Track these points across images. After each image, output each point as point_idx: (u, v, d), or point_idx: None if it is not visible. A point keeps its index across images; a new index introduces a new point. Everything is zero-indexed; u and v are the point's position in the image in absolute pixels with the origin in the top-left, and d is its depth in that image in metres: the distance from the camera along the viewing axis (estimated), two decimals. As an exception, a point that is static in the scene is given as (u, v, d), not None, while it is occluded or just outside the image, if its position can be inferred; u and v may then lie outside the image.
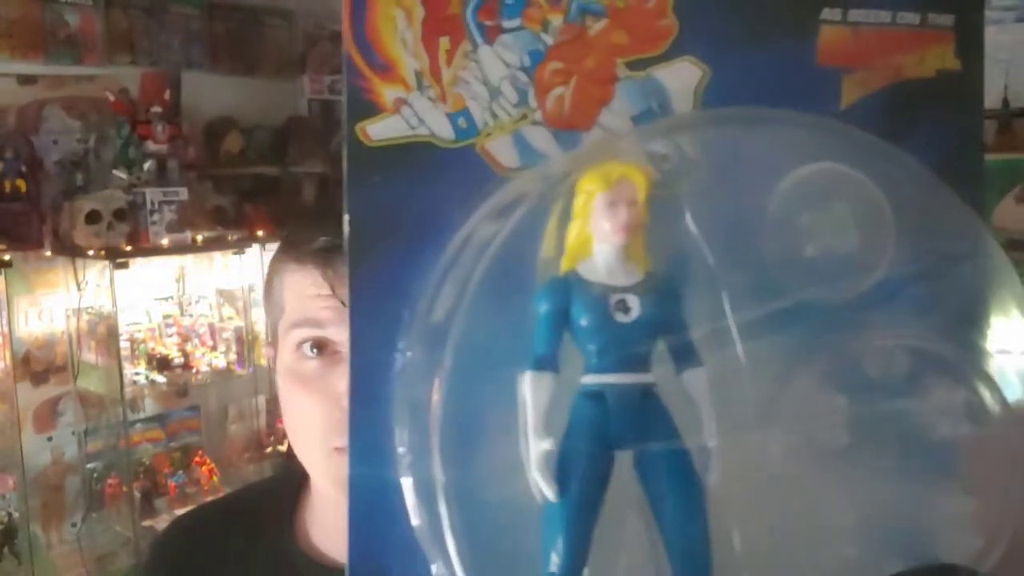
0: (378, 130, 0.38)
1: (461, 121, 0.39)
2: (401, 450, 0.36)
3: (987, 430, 0.35)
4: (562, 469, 0.34)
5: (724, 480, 0.35)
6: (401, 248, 0.38)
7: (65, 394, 2.72)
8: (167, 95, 2.69)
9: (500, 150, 0.39)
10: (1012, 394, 0.36)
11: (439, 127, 0.39)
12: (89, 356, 2.67)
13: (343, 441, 0.67)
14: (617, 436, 0.34)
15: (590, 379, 0.34)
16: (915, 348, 0.36)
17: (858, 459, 0.36)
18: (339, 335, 0.69)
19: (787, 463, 0.36)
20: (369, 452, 0.37)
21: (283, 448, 3.04)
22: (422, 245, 0.38)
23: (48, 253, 2.61)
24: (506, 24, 0.39)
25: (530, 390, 0.34)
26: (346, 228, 0.38)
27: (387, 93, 0.38)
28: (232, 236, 2.83)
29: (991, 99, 2.14)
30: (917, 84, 0.41)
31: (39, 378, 2.66)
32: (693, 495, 0.34)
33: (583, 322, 0.34)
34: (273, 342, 0.78)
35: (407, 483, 0.36)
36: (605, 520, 0.34)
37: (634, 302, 0.34)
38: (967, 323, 0.37)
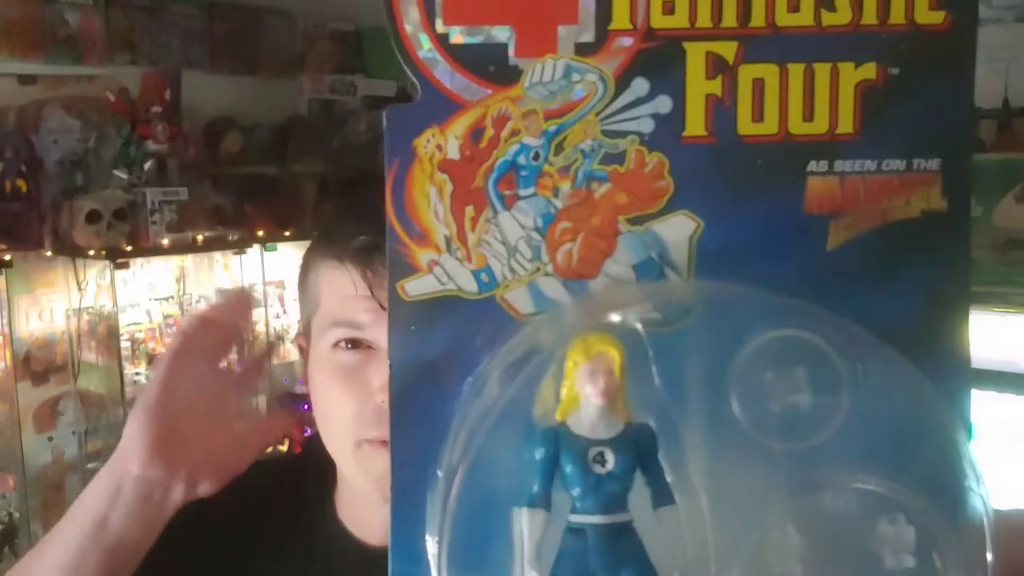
0: (414, 287, 0.47)
1: (484, 276, 0.46)
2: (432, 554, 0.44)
3: (934, 566, 0.41)
4: None
5: None
6: (435, 385, 0.46)
7: (65, 394, 2.72)
8: (167, 95, 2.69)
9: (517, 299, 0.46)
10: (963, 534, 0.41)
11: (465, 282, 0.46)
12: (89, 356, 2.67)
13: (373, 433, 0.69)
14: (596, 567, 0.41)
15: (574, 518, 0.41)
16: (868, 490, 0.41)
17: None
18: (376, 336, 0.69)
19: None
20: (407, 555, 0.45)
21: (283, 448, 3.04)
22: (452, 381, 0.45)
23: (48, 253, 2.61)
24: (522, 192, 0.46)
25: (525, 525, 0.41)
26: (387, 372, 0.47)
27: (422, 256, 0.47)
28: (232, 236, 2.83)
29: (991, 99, 2.14)
30: (903, 225, 0.44)
31: (39, 378, 2.66)
32: None
33: (567, 470, 0.41)
34: (305, 334, 0.78)
35: None
36: None
37: (610, 456, 0.41)
38: (920, 471, 0.42)
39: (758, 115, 0.44)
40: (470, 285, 0.46)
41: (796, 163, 0.44)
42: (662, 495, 0.42)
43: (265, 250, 2.90)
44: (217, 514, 0.84)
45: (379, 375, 0.68)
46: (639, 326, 0.43)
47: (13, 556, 2.49)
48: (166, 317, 2.89)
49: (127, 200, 2.58)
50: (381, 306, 0.68)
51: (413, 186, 0.46)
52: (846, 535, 0.41)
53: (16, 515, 2.53)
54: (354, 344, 0.71)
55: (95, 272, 2.64)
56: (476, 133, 0.45)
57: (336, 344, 0.71)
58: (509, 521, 0.42)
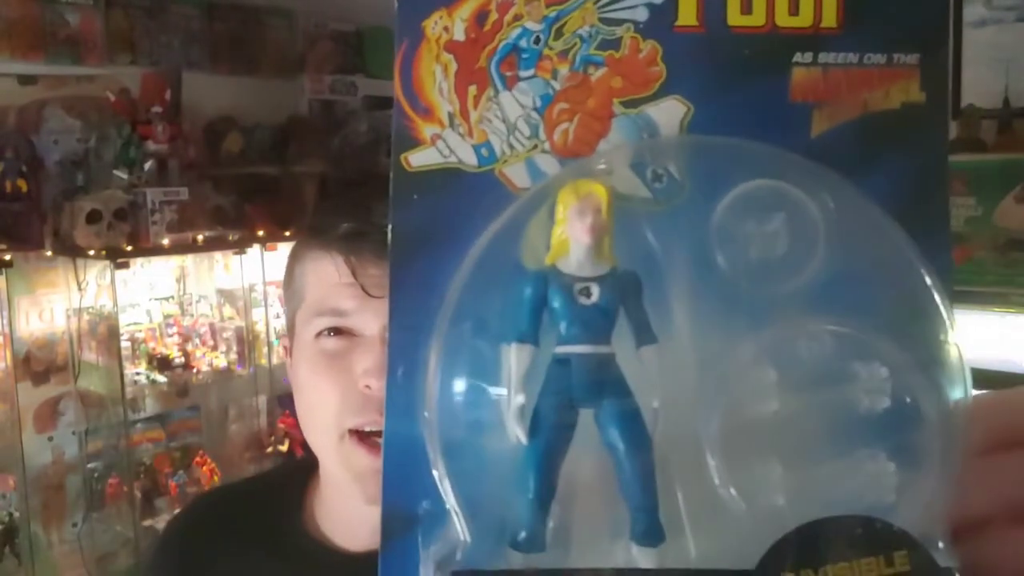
0: (417, 158, 0.49)
1: (484, 151, 0.48)
2: (427, 414, 0.46)
3: (909, 406, 0.43)
4: (535, 420, 0.43)
5: (667, 438, 0.43)
6: (433, 252, 0.47)
7: (66, 394, 2.72)
8: (167, 95, 2.70)
9: (515, 174, 0.48)
10: (944, 391, 0.43)
11: (466, 156, 0.48)
12: (90, 356, 2.68)
13: (357, 420, 0.69)
14: (580, 394, 0.43)
15: (560, 349, 0.44)
16: (843, 334, 0.43)
17: (788, 425, 0.43)
18: (360, 323, 0.70)
19: (723, 425, 0.44)
20: (400, 412, 0.46)
21: (283, 448, 3.05)
22: (450, 249, 0.47)
23: (49, 253, 2.61)
24: (522, 74, 0.49)
25: (513, 358, 0.44)
26: (390, 237, 0.47)
27: (426, 130, 0.49)
28: (232, 236, 2.83)
29: (991, 99, 2.14)
30: (882, 116, 0.47)
31: (40, 378, 2.66)
32: (642, 443, 0.43)
33: (555, 304, 0.44)
34: (290, 332, 0.78)
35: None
36: (574, 468, 0.43)
37: (595, 290, 0.44)
38: (896, 322, 0.44)
39: (747, 7, 0.48)
40: (470, 159, 0.48)
41: (782, 54, 0.47)
42: (645, 334, 0.44)
43: (265, 250, 2.90)
44: (202, 523, 0.85)
45: (362, 361, 0.69)
46: (632, 200, 0.46)
47: (13, 556, 2.49)
48: (166, 317, 2.89)
49: (127, 200, 2.58)
50: (366, 292, 0.68)
51: (420, 65, 0.49)
52: (821, 377, 0.44)
53: (16, 515, 2.53)
54: (337, 332, 0.71)
55: (95, 272, 2.64)
56: (481, 16, 0.48)
57: (319, 333, 0.71)
58: (496, 364, 0.45)
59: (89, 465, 2.73)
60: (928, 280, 0.44)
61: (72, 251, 2.55)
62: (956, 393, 0.43)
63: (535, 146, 0.48)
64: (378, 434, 0.68)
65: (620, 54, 0.48)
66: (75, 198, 2.55)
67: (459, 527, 0.44)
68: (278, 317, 3.03)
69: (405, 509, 0.45)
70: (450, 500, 0.44)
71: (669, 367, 0.44)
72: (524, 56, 0.49)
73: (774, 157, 0.46)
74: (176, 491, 2.78)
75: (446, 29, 0.49)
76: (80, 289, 2.65)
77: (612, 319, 0.44)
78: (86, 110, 2.68)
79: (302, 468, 0.84)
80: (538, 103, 0.48)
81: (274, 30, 3.30)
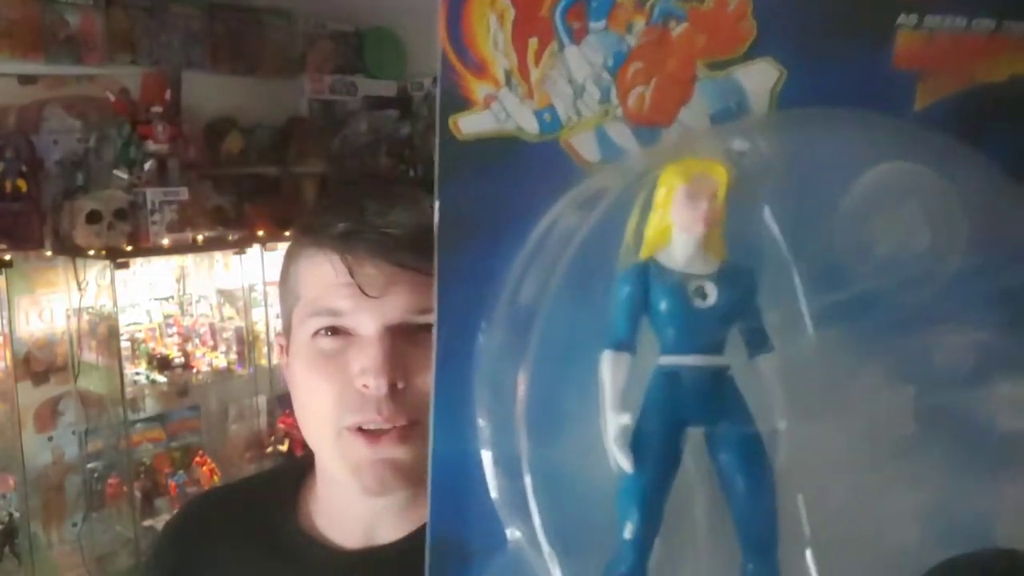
0: (469, 123, 0.42)
1: (546, 116, 0.42)
2: (482, 423, 0.39)
3: None
4: (637, 444, 0.36)
5: (792, 462, 0.36)
6: (487, 235, 0.41)
7: (66, 394, 2.72)
8: (167, 95, 2.69)
9: (582, 144, 0.42)
10: None
11: (525, 121, 0.41)
12: (90, 356, 2.67)
13: (353, 419, 0.68)
14: (690, 414, 0.36)
15: (667, 360, 0.37)
16: (983, 343, 0.37)
17: (923, 448, 0.37)
18: (356, 322, 0.69)
19: (853, 449, 0.37)
20: (452, 426, 0.40)
21: (283, 448, 3.04)
22: (507, 232, 0.41)
23: (49, 253, 2.61)
24: (592, 26, 0.42)
25: (609, 369, 0.37)
26: (436, 216, 0.41)
27: (478, 90, 0.42)
28: (232, 236, 2.83)
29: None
30: (990, 88, 0.41)
31: (40, 378, 2.66)
32: (762, 473, 0.36)
33: (662, 306, 0.37)
34: (286, 331, 0.78)
35: (487, 456, 0.39)
36: (678, 495, 0.37)
37: (711, 289, 0.37)
38: None
39: None
40: (531, 125, 0.42)
41: (886, 13, 0.41)
42: (760, 341, 0.37)
43: (265, 250, 2.90)
44: (198, 526, 0.85)
45: (359, 360, 0.68)
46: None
47: (13, 556, 2.49)
48: (166, 317, 2.89)
49: (127, 200, 2.58)
50: (362, 291, 0.68)
51: (471, 11, 0.41)
52: (958, 392, 0.37)
53: (16, 515, 2.52)
54: (334, 331, 0.70)
55: (95, 272, 2.64)
56: None
57: (316, 333, 0.71)
58: (587, 373, 0.38)
59: (89, 465, 2.73)
60: None
61: (72, 251, 2.55)
62: None
63: (606, 112, 0.42)
64: (375, 429, 0.68)
65: (705, 6, 0.41)
66: (75, 198, 2.55)
67: (547, 564, 0.37)
68: (278, 317, 3.00)
69: (458, 540, 0.40)
70: (540, 537, 0.37)
71: (791, 380, 0.37)
72: (594, 5, 0.42)
73: (906, 134, 0.39)
74: (176, 491, 2.77)
75: None
76: (80, 289, 2.64)
77: (729, 325, 0.37)
78: (86, 110, 2.68)
79: (298, 467, 0.84)
80: (610, 62, 0.41)
81: (274, 30, 3.29)
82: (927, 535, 0.36)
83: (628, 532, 0.36)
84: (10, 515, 2.51)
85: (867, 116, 0.40)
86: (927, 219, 0.38)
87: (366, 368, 0.68)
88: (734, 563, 0.36)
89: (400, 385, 0.67)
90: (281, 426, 3.06)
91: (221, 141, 3.05)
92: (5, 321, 2.48)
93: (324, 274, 0.70)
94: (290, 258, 0.77)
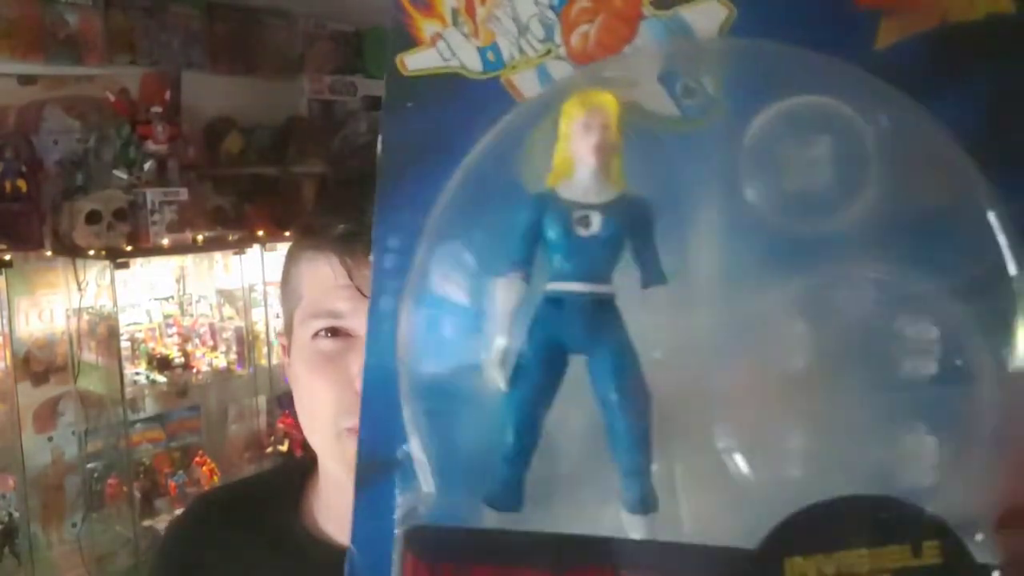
0: (414, 61, 0.42)
1: (489, 55, 0.42)
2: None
3: (958, 372, 0.35)
4: (518, 365, 0.37)
5: (669, 393, 0.37)
6: (427, 167, 0.41)
7: (65, 394, 2.72)
8: (167, 95, 2.70)
9: (523, 82, 0.42)
10: (1004, 355, 0.36)
11: (469, 59, 0.42)
12: (89, 356, 2.67)
13: (353, 421, 0.68)
14: (570, 340, 0.37)
15: (552, 286, 0.38)
16: (889, 284, 0.36)
17: (816, 386, 0.37)
18: (355, 324, 0.69)
19: (735, 381, 0.37)
20: (380, 344, 0.42)
21: (283, 448, 3.04)
22: (445, 164, 0.41)
23: (48, 253, 2.61)
24: None
25: (500, 292, 0.38)
26: (379, 149, 0.41)
27: (426, 28, 0.42)
28: (232, 236, 2.83)
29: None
30: (963, 28, 0.38)
31: (39, 378, 2.66)
32: (639, 398, 0.37)
33: (549, 233, 0.38)
34: (287, 331, 0.78)
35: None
36: (560, 419, 0.37)
37: (596, 218, 0.37)
38: (957, 274, 0.36)
39: None
40: (474, 63, 0.42)
41: None
42: (652, 273, 0.38)
43: (265, 250, 2.90)
44: (202, 527, 0.86)
45: (359, 361, 0.68)
46: (655, 119, 0.38)
47: (13, 556, 2.48)
48: (166, 317, 2.89)
49: (127, 200, 2.58)
50: (361, 293, 0.68)
51: None
52: (858, 333, 0.36)
53: (16, 515, 2.52)
54: (333, 333, 0.71)
55: (95, 272, 2.64)
56: None
57: (316, 334, 0.71)
58: (480, 297, 0.39)
59: (89, 465, 2.73)
60: (1000, 227, 0.36)
61: (72, 251, 2.55)
62: (1020, 360, 0.35)
63: (549, 51, 0.41)
64: None
65: None
66: (75, 198, 2.55)
67: (423, 476, 0.39)
68: (278, 317, 3.02)
69: (381, 452, 0.40)
70: (415, 445, 0.39)
71: (679, 312, 0.37)
72: None
73: (830, 68, 0.37)
74: (176, 491, 2.77)
75: None
76: (80, 289, 2.64)
77: (615, 254, 0.37)
78: (86, 110, 2.68)
79: (300, 467, 0.85)
80: (555, 1, 0.41)
81: (274, 30, 3.30)
82: (811, 473, 0.36)
83: (505, 446, 0.37)
84: (10, 515, 2.51)
85: (814, 57, 0.38)
86: (834, 157, 0.37)
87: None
88: (611, 486, 0.37)
89: None
90: (281, 426, 3.06)
91: (221, 141, 3.05)
92: (5, 321, 2.48)
93: (323, 276, 0.71)
94: (291, 259, 0.77)
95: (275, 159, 3.19)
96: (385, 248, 0.43)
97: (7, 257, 2.41)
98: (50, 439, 2.68)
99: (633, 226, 0.38)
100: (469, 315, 0.39)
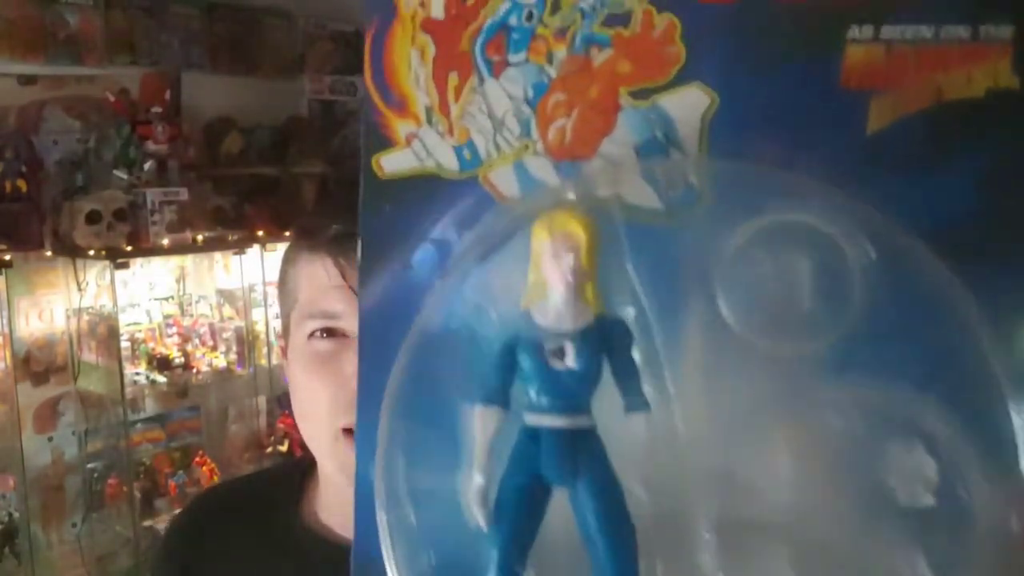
0: (391, 162, 0.41)
1: (466, 153, 0.41)
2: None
3: (959, 504, 0.34)
4: (499, 502, 0.36)
5: (654, 526, 0.35)
6: (406, 272, 0.41)
7: (65, 394, 2.72)
8: (167, 95, 2.69)
9: (501, 180, 0.40)
10: (999, 467, 0.34)
11: (445, 159, 0.41)
12: (89, 356, 2.67)
13: (348, 420, 0.69)
14: (550, 474, 0.36)
15: (529, 418, 0.36)
16: (877, 407, 0.34)
17: (802, 516, 0.35)
18: (351, 325, 0.70)
19: (720, 515, 0.36)
20: (370, 453, 0.40)
21: (283, 448, 3.04)
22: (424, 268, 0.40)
23: (48, 253, 2.61)
24: (512, 58, 0.40)
25: (478, 423, 0.36)
26: (359, 252, 0.41)
27: (400, 128, 0.41)
28: (232, 236, 2.83)
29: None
30: (961, 106, 0.36)
31: (39, 378, 2.66)
32: (623, 533, 0.35)
33: (524, 364, 0.36)
34: (285, 333, 0.79)
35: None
36: (544, 549, 0.36)
37: (571, 350, 0.36)
38: (947, 391, 0.34)
39: None
40: (451, 162, 0.41)
41: (833, 28, 0.37)
42: (634, 400, 0.36)
43: (265, 250, 2.90)
44: (203, 525, 0.86)
45: (354, 361, 0.69)
46: (639, 212, 0.37)
47: (13, 556, 2.49)
48: (166, 317, 2.89)
49: (127, 200, 2.58)
50: (355, 293, 0.69)
51: (393, 48, 0.40)
52: (849, 462, 0.35)
53: (16, 515, 2.52)
54: (329, 333, 0.71)
55: (95, 272, 2.64)
56: None
57: (312, 334, 0.72)
58: (456, 421, 0.37)
59: (89, 465, 2.73)
60: (986, 346, 0.33)
61: (72, 251, 2.55)
62: (1017, 480, 0.33)
63: (526, 146, 0.40)
64: None
65: (630, 32, 0.39)
66: (75, 198, 2.55)
67: None
68: (278, 317, 3.01)
69: (376, 560, 0.39)
70: (388, 558, 0.37)
71: (662, 441, 0.36)
72: (514, 36, 0.40)
73: (810, 187, 0.36)
74: (176, 491, 2.77)
75: (422, 4, 0.40)
76: (80, 289, 2.64)
77: (591, 385, 0.36)
78: (86, 110, 2.68)
79: (300, 465, 0.85)
80: (530, 94, 0.40)
81: (274, 30, 3.30)
82: None
83: None
84: (10, 515, 2.51)
85: (792, 178, 0.36)
86: (814, 278, 0.36)
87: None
88: None
89: None
90: (281, 426, 3.06)
91: (221, 141, 3.05)
92: (5, 321, 2.48)
93: (319, 277, 0.71)
94: (287, 261, 0.78)
95: (275, 159, 3.19)
96: (370, 357, 0.41)
97: (7, 257, 2.41)
98: (50, 439, 2.68)
99: (612, 351, 0.36)
100: (446, 451, 0.38)
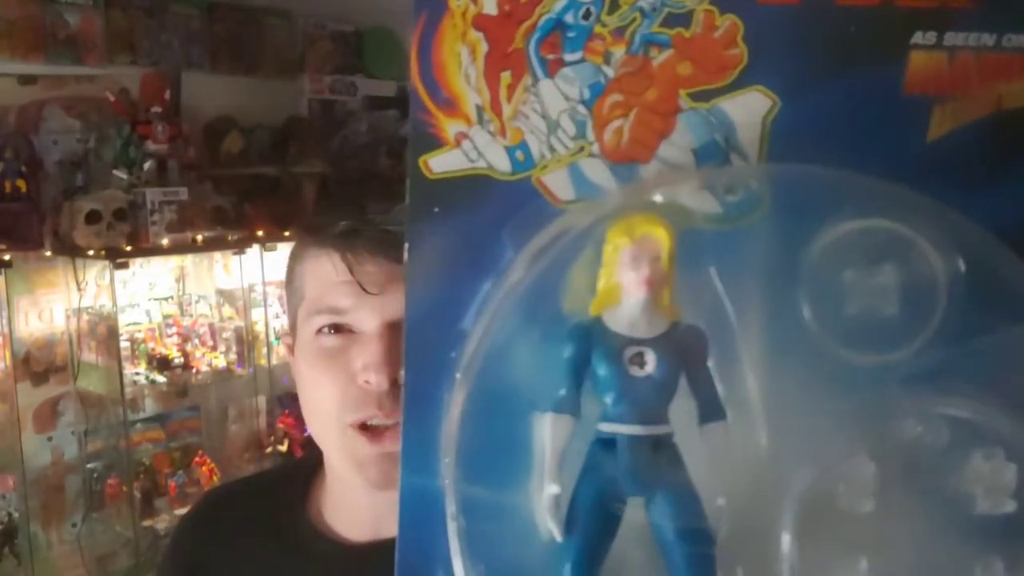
0: (439, 163, 0.40)
1: (519, 154, 0.40)
2: (446, 462, 0.38)
3: None
4: (572, 510, 0.35)
5: (735, 534, 0.35)
6: (457, 275, 0.39)
7: (65, 394, 2.72)
8: (167, 95, 2.69)
9: (555, 182, 0.40)
10: None
11: (497, 160, 0.40)
12: (89, 356, 2.67)
13: (356, 416, 0.70)
14: (627, 484, 0.35)
15: (604, 427, 0.35)
16: (959, 418, 0.34)
17: (885, 527, 0.35)
18: (357, 320, 0.70)
19: (801, 523, 0.35)
20: (418, 462, 0.39)
21: (283, 448, 3.04)
22: (477, 272, 0.39)
23: (48, 253, 2.61)
24: (568, 57, 0.39)
25: (548, 432, 0.35)
26: (406, 256, 0.39)
27: (449, 127, 0.40)
28: (232, 236, 2.83)
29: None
30: (1021, 114, 0.36)
31: (39, 378, 2.66)
32: (703, 545, 0.34)
33: (600, 372, 0.35)
34: (292, 330, 0.79)
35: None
36: (617, 557, 0.35)
37: (651, 357, 0.35)
38: None
39: None
40: (503, 163, 0.39)
41: (898, 33, 0.36)
42: (710, 408, 0.35)
43: (265, 250, 2.90)
44: (210, 523, 0.86)
45: (361, 357, 0.69)
46: (696, 216, 0.36)
47: (13, 556, 2.48)
48: (166, 317, 2.89)
49: (127, 200, 2.58)
50: (363, 288, 0.69)
51: (443, 45, 0.39)
52: (930, 470, 0.34)
53: (16, 515, 2.52)
54: (336, 329, 0.71)
55: (95, 272, 2.64)
56: None
57: (319, 331, 0.72)
58: (527, 429, 0.36)
59: (89, 465, 2.73)
60: None
61: (72, 251, 2.55)
62: None
63: (581, 148, 0.39)
64: (379, 425, 0.69)
65: (690, 32, 0.38)
66: (75, 198, 2.55)
67: None
68: (278, 317, 3.03)
69: (421, 573, 0.38)
70: (459, 570, 0.36)
71: (739, 449, 0.35)
72: (570, 35, 0.39)
73: (890, 190, 0.35)
74: (175, 491, 2.77)
75: (474, 0, 0.39)
76: (80, 289, 2.64)
77: (670, 393, 0.35)
78: (86, 110, 2.68)
79: (307, 464, 0.86)
80: (586, 95, 0.39)
81: (274, 30, 3.29)
82: None
83: None
84: (10, 515, 2.51)
85: (859, 177, 0.36)
86: (900, 284, 0.35)
87: (367, 364, 0.69)
88: None
89: (401, 381, 0.68)
90: (281, 426, 3.06)
91: (221, 141, 3.05)
92: (5, 321, 2.48)
93: (326, 272, 0.71)
94: (294, 258, 0.78)
95: (275, 159, 3.19)
96: (417, 367, 0.40)
97: (7, 257, 2.41)
98: (50, 439, 2.68)
99: (688, 360, 0.36)
100: (516, 459, 0.37)
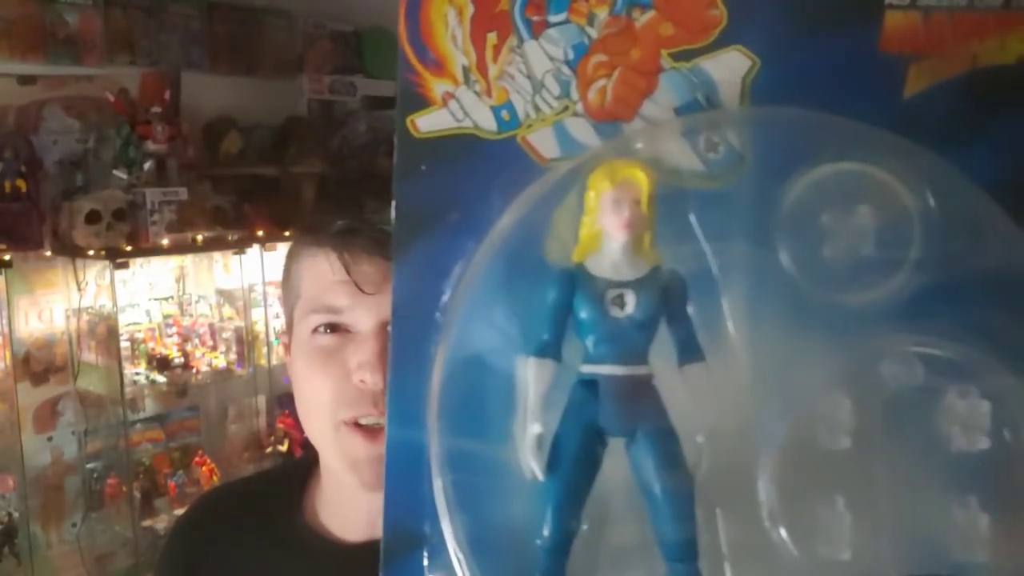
0: (426, 122, 0.41)
1: (504, 114, 0.40)
2: (431, 419, 0.39)
3: (1013, 447, 0.34)
4: (555, 451, 0.36)
5: (713, 473, 0.35)
6: (443, 232, 0.40)
7: (65, 394, 2.72)
8: (167, 95, 2.69)
9: (540, 141, 0.40)
10: None
11: (483, 119, 0.40)
12: (89, 356, 2.67)
13: (351, 413, 0.70)
14: (608, 423, 0.36)
15: (586, 368, 0.36)
16: (934, 356, 0.35)
17: (861, 465, 0.35)
18: (353, 319, 0.71)
19: (780, 459, 0.36)
20: (404, 416, 0.40)
21: (283, 448, 3.04)
22: (463, 229, 0.40)
23: (48, 253, 2.61)
24: (552, 19, 0.40)
25: (531, 375, 0.36)
26: (393, 214, 0.40)
27: (436, 87, 0.40)
28: (232, 236, 2.83)
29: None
30: (995, 72, 0.37)
31: (39, 378, 2.66)
32: (682, 482, 0.35)
33: (582, 314, 0.36)
34: (288, 329, 0.80)
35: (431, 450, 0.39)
36: (602, 501, 0.36)
37: (631, 298, 0.36)
38: (1002, 338, 0.35)
39: None
40: (489, 123, 0.40)
41: None
42: (689, 350, 0.36)
43: (265, 250, 2.90)
44: (207, 524, 0.87)
45: (356, 356, 0.70)
46: (680, 174, 0.37)
47: (13, 556, 2.49)
48: (166, 317, 2.89)
49: (127, 200, 2.58)
50: (359, 288, 0.69)
51: (430, 6, 0.40)
52: (906, 408, 0.35)
53: (16, 515, 2.52)
54: (332, 328, 0.72)
55: (95, 272, 2.64)
56: None
57: (315, 330, 0.73)
58: (510, 376, 0.37)
59: (88, 465, 2.73)
60: None
61: (71, 251, 2.55)
62: None
63: (566, 107, 0.40)
64: (373, 425, 0.70)
65: None
66: (74, 198, 2.55)
67: (458, 567, 0.37)
68: (277, 317, 3.03)
69: (408, 527, 0.39)
70: (449, 538, 0.37)
71: (718, 390, 0.36)
72: None
73: (862, 133, 0.36)
74: (175, 491, 2.77)
75: None
76: (79, 289, 2.64)
77: (650, 334, 0.36)
78: (85, 110, 2.68)
79: (302, 465, 0.86)
80: (570, 55, 0.40)
81: (273, 30, 3.29)
82: (860, 555, 0.34)
83: (543, 537, 0.35)
84: (9, 515, 2.51)
85: (840, 120, 0.36)
86: (875, 225, 0.36)
87: (363, 363, 0.69)
88: (657, 571, 0.35)
89: None
90: (280, 426, 3.06)
91: (220, 141, 3.05)
92: (5, 321, 2.48)
93: (322, 272, 0.72)
94: (291, 257, 0.78)
95: (275, 159, 3.19)
96: (403, 317, 0.41)
97: (7, 257, 2.41)
98: (50, 439, 2.68)
99: (668, 302, 0.36)
100: (500, 400, 0.37)
